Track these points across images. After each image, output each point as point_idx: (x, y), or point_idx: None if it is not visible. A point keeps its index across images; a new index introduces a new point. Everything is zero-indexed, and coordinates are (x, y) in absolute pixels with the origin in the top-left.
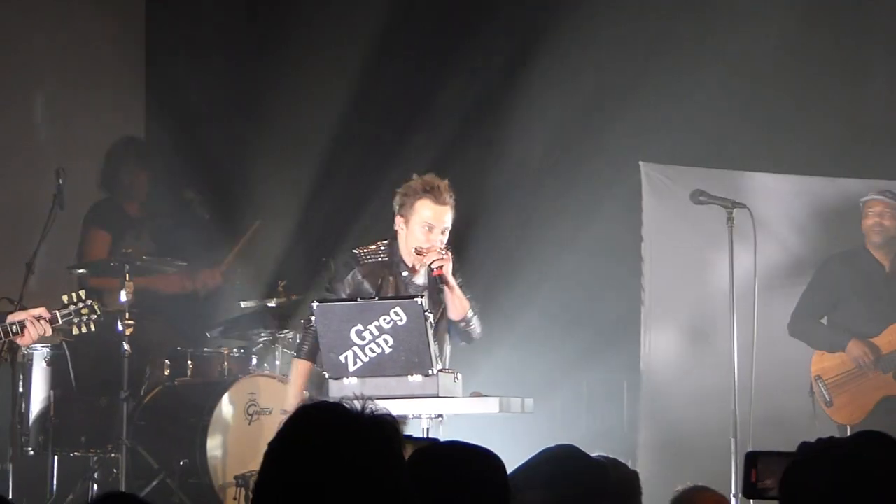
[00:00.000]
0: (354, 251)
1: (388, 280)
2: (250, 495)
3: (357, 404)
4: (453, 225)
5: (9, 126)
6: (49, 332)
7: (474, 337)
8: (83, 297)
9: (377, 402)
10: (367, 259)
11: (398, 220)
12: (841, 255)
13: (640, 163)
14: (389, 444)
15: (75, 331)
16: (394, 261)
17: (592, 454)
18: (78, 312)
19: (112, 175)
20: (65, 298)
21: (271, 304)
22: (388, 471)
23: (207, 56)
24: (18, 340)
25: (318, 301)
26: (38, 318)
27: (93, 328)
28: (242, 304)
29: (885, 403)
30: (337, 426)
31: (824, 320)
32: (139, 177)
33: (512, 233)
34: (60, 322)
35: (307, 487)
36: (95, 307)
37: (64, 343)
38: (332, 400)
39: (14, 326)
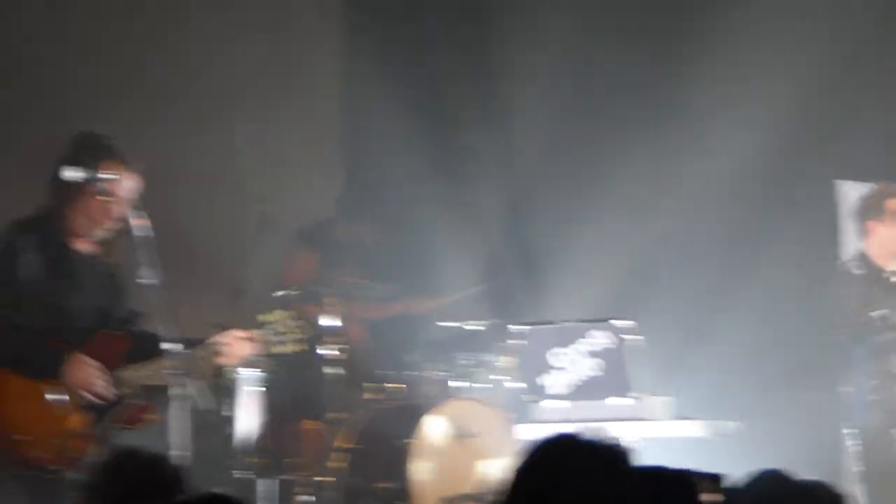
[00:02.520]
0: None
1: None
2: None
3: (589, 433)
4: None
5: (212, 151)
6: (250, 350)
7: None
8: (284, 317)
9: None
10: None
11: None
12: None
13: (837, 181)
14: (627, 471)
15: (276, 349)
16: None
17: (801, 477)
18: (277, 332)
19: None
20: (261, 318)
21: (471, 326)
22: (624, 495)
23: (403, 78)
24: (222, 360)
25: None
26: (240, 338)
27: (294, 348)
28: (441, 325)
29: None
30: (583, 454)
31: None
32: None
33: (714, 251)
34: (261, 340)
35: None
36: (296, 328)
37: (269, 366)
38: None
39: (216, 346)
